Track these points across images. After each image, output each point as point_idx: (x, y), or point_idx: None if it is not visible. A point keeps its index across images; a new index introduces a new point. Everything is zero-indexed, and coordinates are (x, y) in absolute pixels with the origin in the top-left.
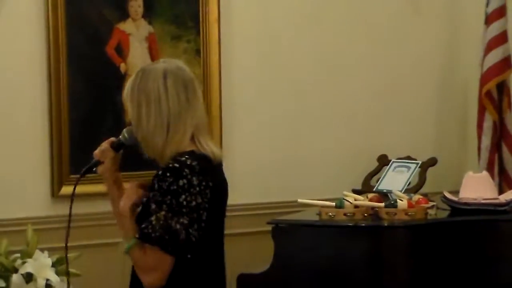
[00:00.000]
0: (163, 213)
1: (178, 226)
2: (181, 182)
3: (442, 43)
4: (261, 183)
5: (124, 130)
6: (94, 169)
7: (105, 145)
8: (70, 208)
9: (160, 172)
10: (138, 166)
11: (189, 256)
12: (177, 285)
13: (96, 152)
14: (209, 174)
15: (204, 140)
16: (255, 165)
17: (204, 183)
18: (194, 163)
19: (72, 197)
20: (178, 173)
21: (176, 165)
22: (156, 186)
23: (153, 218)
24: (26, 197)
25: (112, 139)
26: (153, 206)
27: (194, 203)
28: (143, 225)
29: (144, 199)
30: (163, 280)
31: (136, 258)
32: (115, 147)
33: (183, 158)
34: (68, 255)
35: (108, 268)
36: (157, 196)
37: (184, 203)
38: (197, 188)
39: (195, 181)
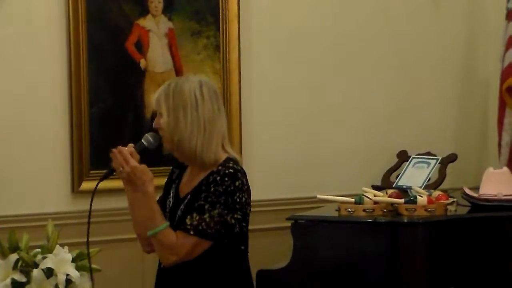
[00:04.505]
0: (217, 211)
1: (233, 221)
2: (237, 183)
3: (462, 39)
4: (280, 179)
5: (148, 134)
6: (114, 173)
7: (129, 148)
8: (89, 214)
9: (218, 178)
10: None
11: (243, 247)
12: (237, 276)
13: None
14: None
15: (230, 148)
16: (275, 160)
17: (247, 183)
18: (240, 167)
19: (91, 203)
20: (234, 177)
21: (231, 170)
22: (212, 189)
23: (206, 216)
24: (47, 192)
25: (132, 144)
26: (207, 205)
27: (244, 200)
28: (194, 222)
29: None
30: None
31: (168, 241)
32: (139, 151)
33: (231, 164)
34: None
35: (127, 263)
36: (212, 197)
37: (237, 200)
38: (245, 187)
39: (244, 181)
